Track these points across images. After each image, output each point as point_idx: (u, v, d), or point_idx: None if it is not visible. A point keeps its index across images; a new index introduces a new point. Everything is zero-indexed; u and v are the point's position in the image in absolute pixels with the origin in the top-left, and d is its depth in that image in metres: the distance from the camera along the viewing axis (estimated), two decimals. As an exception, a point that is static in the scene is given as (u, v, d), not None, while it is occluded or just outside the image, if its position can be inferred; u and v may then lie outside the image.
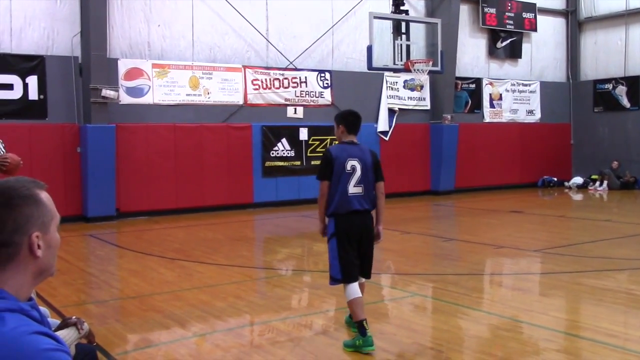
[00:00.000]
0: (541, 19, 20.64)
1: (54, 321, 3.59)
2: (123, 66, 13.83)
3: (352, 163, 5.29)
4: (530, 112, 20.79)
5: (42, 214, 1.65)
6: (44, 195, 1.69)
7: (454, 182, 18.51)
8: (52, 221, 1.68)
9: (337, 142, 5.58)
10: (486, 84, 19.80)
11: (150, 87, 14.14)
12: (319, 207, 5.40)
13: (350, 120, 5.45)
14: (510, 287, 7.57)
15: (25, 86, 12.82)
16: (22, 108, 12.80)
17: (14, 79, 12.69)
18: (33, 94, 12.91)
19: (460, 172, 18.65)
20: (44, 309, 4.08)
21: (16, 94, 12.75)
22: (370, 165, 5.38)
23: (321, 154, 16.92)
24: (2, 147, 8.24)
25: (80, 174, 13.30)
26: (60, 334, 3.12)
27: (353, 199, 5.27)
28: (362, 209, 5.32)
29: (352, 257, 5.27)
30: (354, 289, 5.23)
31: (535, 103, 20.88)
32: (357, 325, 5.16)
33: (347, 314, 5.73)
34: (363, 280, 5.54)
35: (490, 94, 19.90)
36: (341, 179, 5.25)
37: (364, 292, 5.51)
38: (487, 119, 19.86)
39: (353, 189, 5.28)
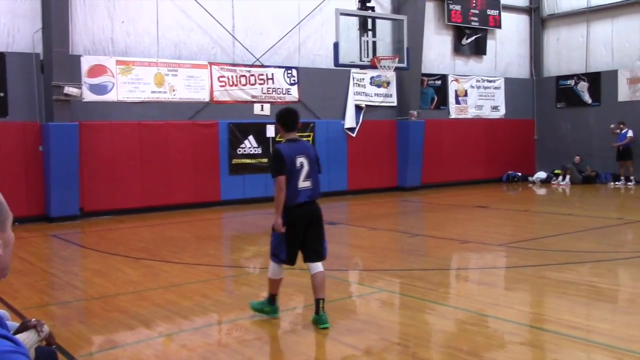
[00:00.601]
0: (505, 16, 20.91)
1: (13, 324, 3.51)
2: (86, 63, 13.59)
3: (300, 160, 5.72)
4: (495, 108, 21.06)
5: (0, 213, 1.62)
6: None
7: (420, 178, 18.65)
8: (7, 219, 1.65)
9: (282, 140, 5.94)
10: (452, 81, 19.99)
11: (114, 84, 13.93)
12: (277, 201, 5.73)
13: (287, 119, 5.79)
14: (476, 282, 7.66)
15: (-16, 83, 12.51)
16: (-19, 106, 12.49)
17: (-28, 76, 12.38)
18: (-8, 92, 12.61)
19: (427, 168, 18.80)
20: (2, 312, 3.99)
21: (-25, 91, 12.43)
22: (314, 160, 5.85)
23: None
24: None
25: (43, 173, 13.03)
26: (20, 337, 3.05)
27: (302, 192, 5.75)
28: (310, 200, 5.82)
29: (296, 244, 5.84)
30: (279, 269, 5.96)
31: (500, 99, 21.16)
32: (270, 297, 6.02)
33: (256, 301, 6.30)
34: (322, 268, 5.95)
35: (455, 90, 20.10)
36: (292, 175, 5.67)
37: (325, 284, 5.95)
38: (453, 115, 20.06)
39: (302, 183, 5.74)
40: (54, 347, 3.49)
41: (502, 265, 8.70)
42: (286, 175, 5.64)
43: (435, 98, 19.65)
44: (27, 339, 3.10)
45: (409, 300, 6.69)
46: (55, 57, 12.83)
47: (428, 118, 18.91)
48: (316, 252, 5.90)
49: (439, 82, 19.69)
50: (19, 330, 3.18)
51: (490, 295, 6.75)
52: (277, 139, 6.11)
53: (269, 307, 6.04)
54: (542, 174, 20.78)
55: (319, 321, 5.69)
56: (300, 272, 8.13)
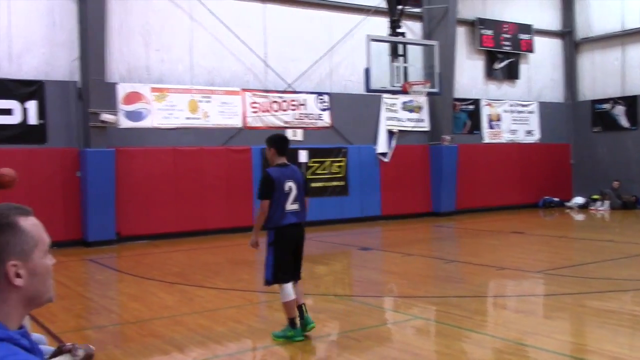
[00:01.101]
0: (538, 40, 20.77)
1: (49, 348, 3.52)
2: (122, 90, 13.86)
3: (289, 184, 6.09)
4: (529, 132, 20.82)
5: (21, 241, 1.59)
6: (27, 222, 1.63)
7: (454, 203, 18.46)
8: (35, 248, 1.62)
9: (270, 164, 6.25)
10: (485, 105, 19.86)
11: (149, 110, 14.16)
12: (257, 221, 6.20)
13: (280, 144, 6.22)
14: (514, 310, 7.49)
15: (25, 111, 12.83)
16: (22, 133, 12.80)
17: (13, 104, 12.71)
18: (32, 119, 12.92)
19: (461, 193, 18.62)
20: (38, 336, 4.02)
21: (15, 119, 12.75)
22: (302, 184, 6.21)
23: (321, 177, 16.84)
24: None
25: (80, 199, 13.25)
26: (55, 362, 3.05)
27: (290, 214, 6.11)
28: (297, 221, 6.19)
29: (288, 262, 6.14)
30: (289, 290, 6.09)
31: (534, 123, 20.93)
32: (290, 321, 6.05)
33: (278, 330, 6.29)
34: (297, 282, 6.31)
35: (488, 115, 19.95)
36: (280, 198, 6.04)
37: (301, 294, 6.32)
38: (486, 140, 19.88)
39: (290, 206, 6.11)
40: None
41: (541, 293, 8.51)
42: (274, 199, 6.00)
43: (468, 123, 19.53)
44: (63, 363, 3.11)
45: (445, 328, 6.57)
46: (92, 85, 13.11)
47: (461, 143, 18.77)
48: (299, 272, 6.31)
49: (471, 107, 19.58)
50: (54, 354, 3.19)
51: (529, 324, 6.59)
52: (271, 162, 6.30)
53: (292, 331, 6.08)
54: (579, 199, 20.39)
55: (307, 322, 6.14)
56: (334, 299, 8.08)
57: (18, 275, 1.57)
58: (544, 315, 7.22)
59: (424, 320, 7.06)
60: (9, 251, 1.57)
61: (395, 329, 6.81)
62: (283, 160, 6.19)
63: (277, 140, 6.24)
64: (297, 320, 6.09)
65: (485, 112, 19.88)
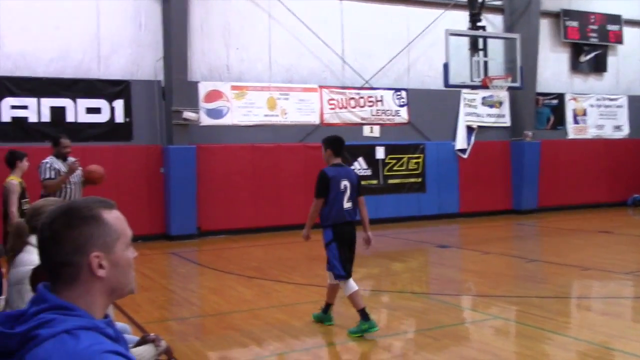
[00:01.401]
0: (627, 31, 19.80)
1: (133, 337, 3.66)
2: (203, 89, 14.22)
3: (344, 183, 6.35)
4: (618, 127, 19.89)
5: (104, 233, 1.63)
6: (110, 215, 1.67)
7: (536, 201, 17.90)
8: (117, 240, 1.66)
9: (327, 164, 6.51)
10: (569, 99, 19.13)
11: (229, 108, 14.47)
12: (310, 217, 6.49)
13: (337, 145, 6.50)
14: (600, 312, 7.19)
15: (112, 110, 13.38)
16: (109, 131, 13.36)
17: (101, 103, 13.28)
18: (119, 117, 13.46)
19: (544, 190, 18.02)
20: (123, 325, 4.19)
21: (104, 117, 13.32)
22: (356, 184, 6.44)
23: (398, 173, 16.73)
24: (77, 164, 8.64)
25: (164, 194, 13.71)
26: (138, 350, 3.17)
27: (346, 212, 6.36)
28: (352, 220, 6.44)
29: (348, 258, 6.35)
30: (353, 283, 6.27)
31: (623, 118, 19.98)
32: (361, 313, 6.12)
33: (316, 312, 6.73)
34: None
35: (574, 110, 19.20)
36: (337, 196, 6.29)
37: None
38: (571, 136, 19.15)
39: (346, 204, 6.36)
40: (171, 361, 3.60)
41: (629, 295, 8.13)
42: (331, 197, 6.27)
43: (552, 118, 18.87)
44: (145, 352, 3.22)
45: (526, 328, 6.38)
46: (175, 84, 13.53)
47: (544, 138, 18.17)
48: (352, 269, 6.43)
49: (555, 101, 18.91)
50: (138, 343, 3.31)
51: (616, 327, 6.31)
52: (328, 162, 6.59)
53: (366, 323, 6.11)
54: (671, 198, 19.32)
55: (328, 319, 6.55)
56: (411, 296, 8.00)
57: (101, 267, 1.62)
58: (633, 318, 6.90)
59: (503, 320, 6.89)
60: (92, 243, 1.61)
61: (473, 328, 6.68)
62: (338, 160, 6.46)
63: (335, 142, 6.50)
64: (367, 310, 6.17)
65: (570, 106, 19.14)
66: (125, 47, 13.60)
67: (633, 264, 9.95)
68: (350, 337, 6.12)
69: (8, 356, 1.51)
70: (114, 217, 1.68)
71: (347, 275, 6.25)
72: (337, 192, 6.27)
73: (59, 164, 8.18)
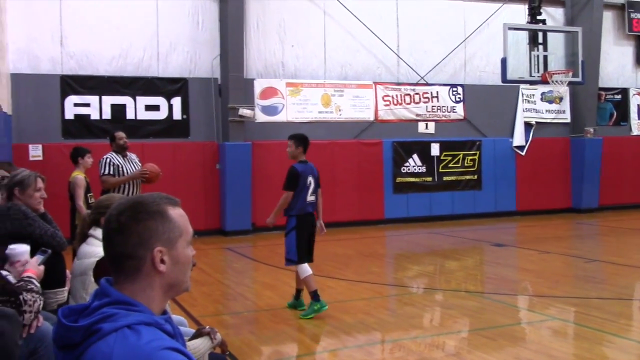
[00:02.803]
0: (697, 22, 18.96)
1: (189, 330, 3.74)
2: (259, 86, 14.37)
3: (310, 178, 7.12)
4: (685, 123, 19.07)
5: (168, 229, 1.67)
6: (175, 212, 1.70)
7: (597, 199, 17.36)
8: (180, 237, 1.69)
9: (294, 160, 7.22)
10: (634, 94, 18.45)
11: (284, 105, 14.58)
12: (280, 207, 7.14)
13: (307, 143, 7.29)
14: (664, 314, 6.94)
15: (170, 107, 13.68)
16: (167, 128, 13.65)
17: (160, 101, 13.59)
18: (177, 114, 13.74)
19: (605, 188, 17.46)
20: (179, 318, 4.28)
21: (162, 114, 13.63)
22: (317, 179, 7.22)
23: (453, 170, 16.51)
24: (137, 160, 8.86)
25: (219, 190, 13.92)
26: (194, 342, 3.24)
27: (309, 204, 7.12)
28: (313, 211, 7.20)
29: (305, 245, 7.04)
30: (307, 267, 6.91)
31: (691, 113, 19.14)
32: (313, 294, 6.74)
33: (289, 301, 7.26)
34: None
35: (638, 105, 18.53)
36: (303, 190, 7.04)
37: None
38: (636, 132, 18.48)
39: (310, 197, 7.11)
40: (226, 354, 3.67)
41: (695, 298, 7.81)
42: (298, 190, 6.97)
43: (615, 114, 18.25)
44: (201, 344, 3.29)
45: (585, 330, 6.21)
46: (232, 81, 13.71)
47: (606, 135, 17.60)
48: (312, 255, 7.19)
49: (618, 97, 18.28)
50: (194, 336, 3.39)
51: (681, 331, 6.08)
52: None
53: (317, 304, 6.72)
54: None
55: (299, 305, 7.05)
56: (465, 295, 7.90)
57: (162, 262, 1.66)
58: (700, 322, 6.62)
59: (561, 322, 6.72)
60: (156, 237, 1.65)
61: (530, 329, 6.55)
62: (304, 157, 7.21)
63: (304, 140, 7.26)
64: (319, 292, 6.81)
65: (635, 101, 18.47)
66: (183, 45, 13.86)
67: (701, 265, 9.54)
68: (304, 319, 6.60)
69: (72, 348, 1.56)
70: (178, 214, 1.71)
71: (299, 261, 6.90)
72: (304, 186, 7.03)
73: (118, 160, 8.39)
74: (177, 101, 13.71)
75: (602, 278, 8.97)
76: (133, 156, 8.75)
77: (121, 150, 8.47)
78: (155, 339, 1.52)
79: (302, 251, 6.98)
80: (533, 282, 8.79)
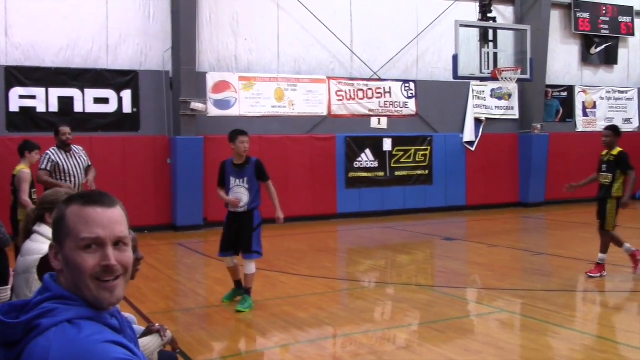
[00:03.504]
0: (639, 23, 19.62)
1: (139, 328, 3.68)
2: (211, 79, 14.22)
3: None
4: (628, 120, 19.75)
5: (58, 227, 1.67)
6: (70, 210, 1.63)
7: (544, 194, 17.83)
8: (66, 238, 1.62)
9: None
10: (579, 92, 19.00)
11: (237, 99, 14.46)
12: (276, 197, 7.43)
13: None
14: (606, 306, 7.18)
15: (120, 100, 13.40)
16: (117, 121, 13.38)
17: (109, 94, 13.30)
18: (127, 108, 13.48)
19: (551, 183, 17.93)
20: (129, 315, 4.20)
21: (111, 107, 13.35)
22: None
23: (405, 165, 16.63)
24: (84, 154, 8.68)
25: (170, 185, 13.73)
26: (144, 340, 3.19)
27: None
28: None
29: None
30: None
31: (633, 111, 19.83)
32: (249, 290, 6.93)
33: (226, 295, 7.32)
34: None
35: (583, 102, 19.08)
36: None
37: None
38: (580, 128, 19.04)
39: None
40: (176, 351, 3.63)
41: (635, 289, 8.09)
42: (255, 183, 7.28)
43: (561, 110, 18.75)
44: (150, 342, 3.24)
45: (531, 322, 6.37)
46: (183, 75, 13.52)
47: (552, 131, 18.07)
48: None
49: (565, 94, 18.79)
50: (144, 334, 3.33)
51: (622, 321, 6.30)
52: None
53: (250, 299, 6.91)
54: (681, 191, 19.21)
55: (238, 294, 7.19)
56: (416, 289, 8.00)
57: (56, 259, 1.70)
58: (638, 312, 6.87)
59: (509, 314, 6.88)
60: (55, 235, 1.70)
61: (479, 321, 6.68)
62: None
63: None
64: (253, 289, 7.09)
65: (580, 99, 19.02)
66: (133, 37, 13.60)
67: None
68: (242, 312, 6.70)
69: (13, 345, 1.53)
70: (74, 213, 1.62)
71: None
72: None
73: (59, 156, 8.22)
74: (127, 94, 13.44)
75: (547, 270, 9.22)
76: (79, 149, 8.58)
77: (63, 146, 8.31)
78: (96, 332, 1.50)
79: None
80: (482, 275, 8.97)
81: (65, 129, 8.46)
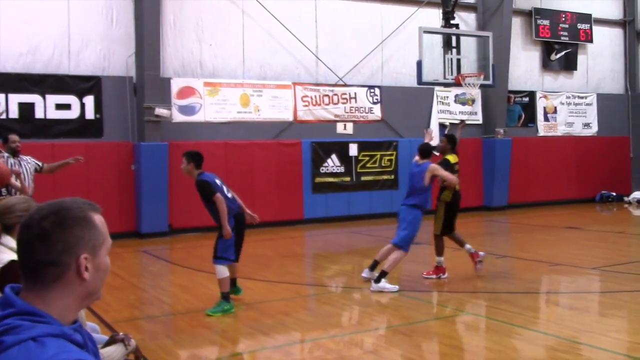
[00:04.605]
0: (597, 30, 20.12)
1: (103, 337, 3.63)
2: (176, 85, 14.11)
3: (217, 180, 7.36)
4: (587, 125, 20.22)
5: (94, 236, 1.62)
6: (98, 219, 1.66)
7: (507, 198, 18.12)
8: (102, 245, 1.65)
9: (190, 175, 7.30)
10: (540, 97, 19.38)
11: (202, 105, 14.38)
12: (225, 212, 7.08)
13: (200, 159, 7.27)
14: (568, 307, 7.31)
15: (83, 106, 13.21)
16: (80, 127, 13.18)
17: (71, 99, 13.10)
18: (90, 114, 13.29)
19: (514, 187, 18.24)
20: (93, 325, 4.14)
21: (74, 113, 13.15)
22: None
23: (371, 170, 16.72)
24: (33, 162, 8.55)
25: (135, 191, 13.57)
26: (108, 350, 3.14)
27: (234, 201, 7.44)
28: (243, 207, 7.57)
29: (240, 243, 7.34)
30: (226, 269, 7.01)
31: (592, 116, 20.31)
32: (226, 295, 6.92)
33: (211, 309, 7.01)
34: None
35: (544, 107, 19.47)
36: (223, 194, 7.19)
37: None
38: (542, 133, 19.41)
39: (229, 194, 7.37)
40: (140, 360, 3.58)
41: (596, 290, 8.27)
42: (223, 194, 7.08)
43: (523, 115, 19.10)
44: (114, 352, 3.19)
45: (495, 324, 6.46)
46: (147, 80, 13.39)
47: (515, 136, 18.39)
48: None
49: (526, 99, 19.15)
50: (108, 343, 3.28)
51: (583, 322, 6.42)
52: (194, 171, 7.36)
53: (228, 304, 6.89)
54: (638, 194, 19.71)
55: (237, 291, 7.45)
56: (382, 293, 8.03)
57: (87, 269, 1.61)
58: (600, 312, 7.02)
59: (473, 316, 6.96)
60: (82, 244, 1.60)
61: (444, 324, 6.74)
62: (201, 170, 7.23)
63: (198, 156, 7.27)
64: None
65: (541, 104, 19.41)
66: (96, 42, 13.43)
67: (600, 259, 10.13)
68: (211, 315, 6.73)
69: None
70: (100, 221, 1.67)
71: (236, 259, 7.13)
72: (222, 189, 7.20)
73: (11, 162, 8.12)
74: (89, 100, 13.26)
75: (511, 273, 9.36)
76: (28, 158, 8.49)
77: (13, 153, 8.19)
78: (61, 352, 1.47)
79: (238, 250, 7.20)
80: (447, 278, 9.05)
81: (15, 137, 8.40)
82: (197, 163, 7.23)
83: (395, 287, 7.94)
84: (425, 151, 8.71)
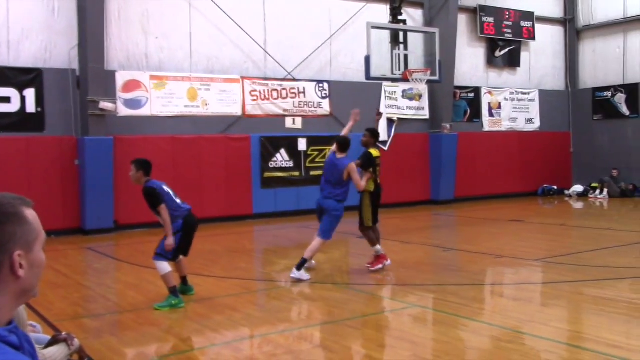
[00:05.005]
0: (539, 28, 20.67)
1: (45, 337, 3.52)
2: (121, 78, 13.80)
3: (165, 187, 7.51)
4: (530, 120, 20.77)
5: (26, 232, 1.57)
6: (30, 213, 1.60)
7: (453, 192, 18.45)
8: (36, 240, 1.60)
9: (138, 183, 7.37)
10: (485, 93, 19.79)
11: (148, 98, 14.11)
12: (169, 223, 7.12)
13: (149, 166, 7.35)
14: (511, 298, 7.50)
15: (23, 99, 12.78)
16: (20, 121, 12.76)
17: (11, 92, 12.66)
18: (30, 107, 12.87)
19: (460, 181, 18.59)
20: (36, 324, 4.02)
21: (14, 107, 12.71)
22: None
23: (320, 165, 16.80)
24: None
25: (79, 187, 13.23)
26: (49, 351, 3.06)
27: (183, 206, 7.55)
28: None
29: (186, 245, 7.47)
30: (168, 265, 7.08)
31: (535, 111, 20.87)
32: (173, 290, 6.95)
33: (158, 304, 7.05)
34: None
35: (489, 103, 19.89)
36: (169, 198, 7.36)
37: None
38: (487, 128, 19.83)
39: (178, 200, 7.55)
40: (84, 360, 3.49)
41: (538, 281, 8.51)
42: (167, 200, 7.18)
43: (469, 111, 19.47)
44: (57, 352, 3.11)
45: (442, 316, 6.57)
46: (91, 73, 13.05)
47: (461, 131, 18.73)
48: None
49: (472, 95, 19.52)
50: (50, 343, 3.19)
51: (526, 312, 6.60)
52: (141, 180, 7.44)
53: (177, 299, 6.94)
54: (578, 188, 20.37)
55: (188, 290, 7.47)
56: (332, 287, 8.08)
57: (21, 266, 1.56)
58: (542, 303, 7.22)
59: (421, 309, 7.06)
60: (15, 241, 1.54)
61: (392, 317, 6.82)
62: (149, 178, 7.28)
63: (146, 164, 7.35)
64: (176, 288, 7.11)
65: (486, 100, 19.82)
66: (37, 33, 13.01)
67: (542, 251, 10.43)
68: (158, 309, 6.79)
69: None
70: (32, 215, 1.61)
71: (173, 259, 7.19)
72: (169, 195, 7.32)
73: None
74: (30, 93, 12.84)
75: (458, 265, 9.54)
76: None
77: None
78: None
79: (180, 251, 7.26)
80: (395, 271, 9.15)
81: None
82: (146, 171, 7.26)
83: (308, 276, 8.42)
84: (344, 145, 9.07)
